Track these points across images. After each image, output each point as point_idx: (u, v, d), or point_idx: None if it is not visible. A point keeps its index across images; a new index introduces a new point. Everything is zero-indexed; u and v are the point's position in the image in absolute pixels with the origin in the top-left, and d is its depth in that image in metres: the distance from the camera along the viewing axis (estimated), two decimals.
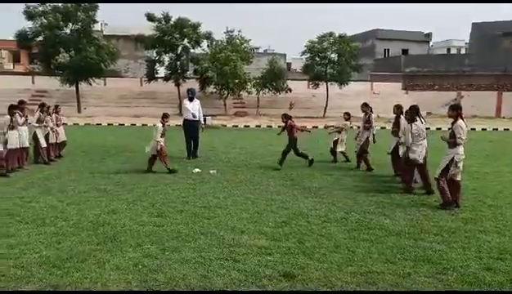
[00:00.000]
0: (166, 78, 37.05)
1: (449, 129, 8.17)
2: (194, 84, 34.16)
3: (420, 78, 45.56)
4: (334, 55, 37.09)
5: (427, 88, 43.31)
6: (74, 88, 34.62)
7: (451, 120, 7.96)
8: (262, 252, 5.40)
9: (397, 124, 10.45)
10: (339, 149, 12.84)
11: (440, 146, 8.85)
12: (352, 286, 4.56)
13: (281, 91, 36.56)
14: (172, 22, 35.57)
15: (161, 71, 38.22)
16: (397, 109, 10.69)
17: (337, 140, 12.89)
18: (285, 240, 5.88)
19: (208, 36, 36.56)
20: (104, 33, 46.07)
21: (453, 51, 64.16)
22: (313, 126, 28.00)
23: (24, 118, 11.16)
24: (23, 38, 33.53)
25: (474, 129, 26.86)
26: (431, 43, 64.28)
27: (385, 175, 10.96)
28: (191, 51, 37.45)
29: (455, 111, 7.94)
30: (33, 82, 39.45)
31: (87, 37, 33.91)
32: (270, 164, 12.34)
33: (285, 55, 53.41)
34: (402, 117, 10.32)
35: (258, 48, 41.39)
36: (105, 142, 17.50)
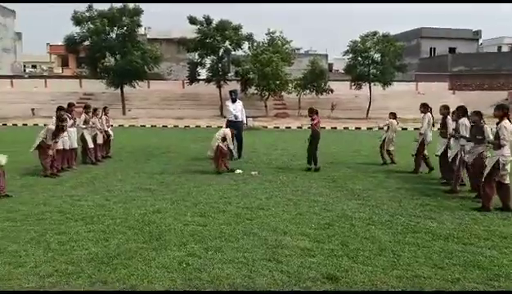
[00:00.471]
0: (208, 80, 37.54)
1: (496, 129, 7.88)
2: (235, 86, 34.41)
3: (469, 78, 44.04)
4: (377, 55, 36.43)
5: (476, 88, 41.80)
6: (118, 91, 35.64)
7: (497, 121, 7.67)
8: (305, 254, 5.37)
9: (444, 125, 10.15)
10: (390, 147, 12.53)
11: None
12: (399, 290, 4.46)
13: (323, 92, 36.26)
14: (213, 25, 36.00)
15: (203, 73, 38.77)
16: (445, 109, 10.37)
17: (384, 140, 12.62)
18: (329, 242, 5.81)
19: (250, 37, 36.76)
20: (147, 36, 47.17)
21: (504, 49, 61.44)
22: (356, 128, 27.70)
23: (72, 120, 11.57)
24: (71, 43, 34.87)
25: None
26: (480, 41, 61.89)
27: (431, 177, 10.67)
28: (232, 52, 37.78)
29: (501, 111, 7.63)
30: (80, 86, 40.96)
31: (131, 41, 34.84)
32: (312, 165, 12.22)
33: (326, 56, 52.94)
34: (449, 117, 10.02)
35: (299, 49, 41.20)
36: (149, 143, 17.90)
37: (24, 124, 28.59)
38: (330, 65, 57.38)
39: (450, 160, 9.35)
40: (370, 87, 36.45)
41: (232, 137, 12.94)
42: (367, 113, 35.36)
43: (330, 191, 9.01)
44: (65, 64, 59.49)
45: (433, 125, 11.23)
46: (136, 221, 6.64)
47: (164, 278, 4.62)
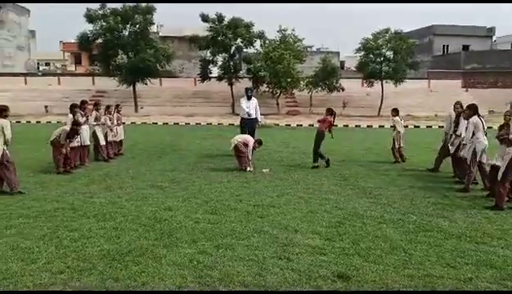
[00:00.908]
0: (219, 78, 37.55)
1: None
2: (247, 83, 34.39)
3: (482, 75, 43.49)
4: (389, 53, 36.12)
5: (489, 85, 41.29)
6: (131, 88, 35.83)
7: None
8: (316, 252, 5.36)
9: (457, 123, 10.05)
10: (402, 144, 12.49)
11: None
12: (410, 289, 4.43)
13: (334, 90, 36.09)
14: (225, 22, 35.99)
15: (214, 71, 38.78)
16: (460, 106, 10.26)
17: (393, 138, 12.53)
18: (340, 240, 5.79)
19: (261, 35, 36.68)
20: (160, 34, 47.33)
21: None
22: (368, 126, 27.55)
23: (85, 118, 11.66)
24: (84, 41, 35.04)
25: None
26: (494, 38, 61.10)
27: (443, 175, 10.58)
28: (244, 50, 37.74)
29: None
30: (93, 83, 41.21)
31: (144, 39, 34.97)
32: (323, 163, 12.19)
33: (338, 54, 52.68)
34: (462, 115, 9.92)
35: (311, 47, 41.06)
36: (161, 140, 17.97)
37: (37, 121, 28.88)
38: (342, 63, 57.05)
39: (463, 158, 9.24)
40: (382, 85, 36.17)
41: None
42: (379, 111, 35.12)
43: (341, 189, 8.98)
44: (78, 61, 60.03)
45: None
46: (148, 218, 6.68)
47: (175, 276, 4.64)
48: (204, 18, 36.03)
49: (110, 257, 5.09)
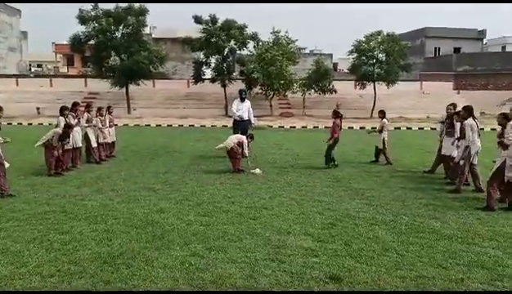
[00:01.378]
0: (213, 80, 37.53)
1: (501, 129, 7.85)
2: (240, 85, 34.39)
3: (473, 77, 43.86)
4: (381, 55, 36.31)
5: (480, 87, 41.62)
6: (123, 90, 35.70)
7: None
8: (309, 254, 5.35)
9: (451, 125, 10.09)
10: (380, 146, 12.66)
11: (492, 147, 8.50)
12: (402, 290, 4.43)
13: (327, 92, 36.18)
14: (219, 24, 35.98)
15: (208, 73, 38.76)
16: (454, 108, 10.31)
17: (383, 140, 12.59)
18: (332, 242, 5.79)
19: (254, 37, 36.72)
20: (153, 35, 47.22)
21: (509, 49, 61.13)
22: (360, 127, 27.63)
23: (76, 120, 11.60)
24: (76, 42, 34.88)
25: None
26: (485, 41, 61.64)
27: (435, 176, 10.63)
28: (238, 52, 37.75)
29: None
30: (85, 85, 41.05)
31: (137, 40, 34.88)
32: (316, 165, 12.23)
33: (331, 56, 52.83)
34: (455, 117, 9.97)
35: (304, 48, 41.15)
36: (154, 142, 17.91)
37: (29, 123, 28.71)
38: (335, 65, 57.27)
39: (460, 161, 9.26)
40: (374, 87, 36.34)
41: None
42: (372, 113, 35.24)
43: (333, 190, 8.99)
44: (70, 63, 59.71)
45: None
46: (140, 221, 6.64)
47: (167, 278, 4.62)
48: (198, 19, 36.02)
49: (101, 260, 5.06)
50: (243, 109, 13.49)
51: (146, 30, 40.14)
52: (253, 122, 14.13)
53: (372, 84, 36.42)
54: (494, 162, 7.87)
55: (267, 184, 9.53)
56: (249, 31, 36.38)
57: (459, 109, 10.07)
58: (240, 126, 13.45)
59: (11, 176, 8.75)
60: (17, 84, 40.98)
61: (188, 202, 7.82)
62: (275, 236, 5.99)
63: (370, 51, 35.89)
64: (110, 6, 34.71)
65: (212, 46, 35.92)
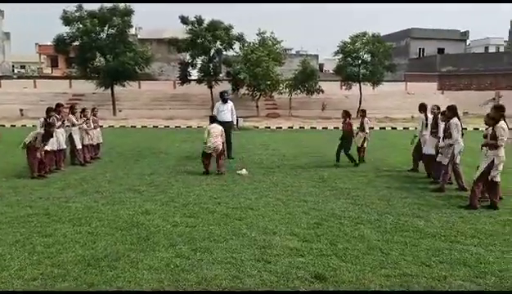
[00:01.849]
0: (199, 81, 37.44)
1: (486, 130, 7.93)
2: (226, 86, 34.40)
3: (457, 78, 44.48)
4: (367, 56, 36.63)
5: (464, 88, 42.23)
6: (109, 91, 35.42)
7: (488, 121, 7.71)
8: (294, 254, 5.36)
9: (435, 125, 10.19)
10: (365, 145, 12.82)
11: (474, 147, 8.60)
12: (386, 289, 4.47)
13: (313, 92, 36.34)
14: (205, 25, 35.92)
15: (194, 73, 38.67)
16: (437, 109, 10.42)
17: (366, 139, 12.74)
18: (317, 242, 5.82)
19: (240, 38, 36.73)
20: (138, 36, 46.97)
21: (491, 50, 62.20)
22: None
23: (60, 122, 11.48)
24: (60, 43, 34.53)
25: None
26: (468, 42, 62.55)
27: (419, 176, 10.73)
28: (224, 53, 37.73)
29: (499, 112, 7.67)
30: (70, 86, 40.65)
31: (122, 41, 34.63)
32: (302, 165, 12.27)
33: (317, 56, 53.09)
34: (440, 117, 10.08)
35: (290, 49, 41.26)
36: (140, 144, 17.79)
37: (12, 125, 28.28)
38: (321, 66, 57.60)
39: (442, 161, 9.35)
40: (360, 87, 36.61)
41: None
42: (357, 113, 35.45)
43: (319, 190, 9.02)
44: (54, 64, 59.01)
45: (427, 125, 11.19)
46: (125, 223, 6.59)
47: (152, 280, 4.59)
48: (184, 20, 35.95)
49: (85, 263, 5.01)
50: (225, 111, 13.49)
51: (132, 31, 39.92)
52: (235, 122, 14.12)
53: (358, 85, 36.69)
54: (477, 167, 7.92)
55: (254, 185, 9.52)
56: (235, 32, 36.42)
57: (443, 109, 10.18)
58: (224, 127, 13.45)
59: None
60: (0, 85, 40.41)
61: (174, 204, 7.78)
62: (261, 236, 5.99)
63: (355, 51, 36.20)
64: (95, 7, 34.45)
65: (198, 46, 35.87)
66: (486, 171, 7.56)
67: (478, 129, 21.45)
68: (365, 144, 12.80)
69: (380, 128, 26.76)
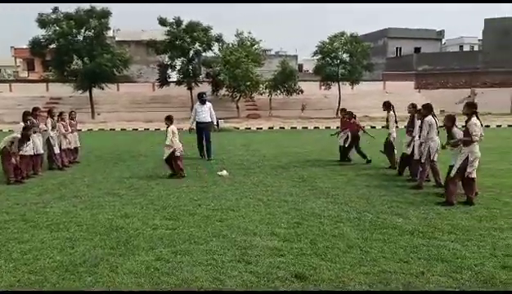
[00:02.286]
0: (178, 83, 37.25)
1: (463, 127, 8.08)
2: (206, 87, 34.33)
3: (433, 77, 45.19)
4: (345, 55, 36.97)
5: (440, 86, 42.93)
6: (87, 94, 34.97)
7: (465, 118, 7.87)
8: (275, 254, 5.38)
9: (412, 123, 10.35)
10: (341, 143, 13.00)
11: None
12: (365, 286, 4.52)
13: (293, 93, 36.51)
14: (183, 26, 35.75)
15: (173, 75, 38.47)
16: (413, 107, 10.58)
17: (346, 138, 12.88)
18: (298, 241, 5.85)
19: (219, 38, 36.68)
20: (116, 38, 46.49)
21: (466, 49, 63.39)
22: (326, 127, 27.99)
23: (37, 126, 11.29)
24: (37, 46, 33.97)
25: (489, 126, 26.51)
26: (443, 41, 63.66)
27: (395, 173, 10.87)
28: (203, 54, 37.63)
29: (470, 109, 7.83)
30: (47, 89, 40.00)
31: (100, 43, 34.24)
32: (283, 165, 12.32)
33: (296, 57, 53.37)
34: (416, 115, 10.23)
35: (269, 50, 41.45)
36: (119, 147, 17.62)
37: None
38: (300, 66, 57.87)
39: (417, 158, 9.50)
40: (339, 87, 36.92)
41: (201, 140, 13.08)
42: (337, 113, 35.73)
43: (299, 190, 9.07)
44: (30, 67, 58.00)
45: (396, 122, 11.72)
46: (104, 227, 6.52)
47: (131, 284, 4.56)
48: (162, 22, 35.74)
49: (63, 269, 4.94)
50: (203, 112, 13.56)
51: (109, 33, 39.54)
52: (215, 122, 14.17)
53: (337, 84, 36.99)
54: (451, 166, 8.06)
55: (234, 186, 9.52)
56: (213, 33, 36.36)
57: (419, 107, 10.34)
58: (204, 128, 13.54)
59: None
60: None
61: (154, 207, 7.73)
62: (241, 237, 5.99)
63: (333, 51, 36.50)
64: (71, 9, 34.01)
65: (177, 48, 35.72)
66: (461, 167, 7.70)
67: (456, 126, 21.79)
68: (347, 144, 12.90)
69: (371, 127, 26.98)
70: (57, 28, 33.02)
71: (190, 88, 36.17)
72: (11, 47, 60.49)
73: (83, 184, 9.92)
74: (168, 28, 35.75)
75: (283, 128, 28.44)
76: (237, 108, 35.79)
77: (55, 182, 10.20)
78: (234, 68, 33.09)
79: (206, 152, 13.61)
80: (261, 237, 6.02)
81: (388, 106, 11.92)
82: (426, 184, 9.30)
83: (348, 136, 12.82)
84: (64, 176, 10.99)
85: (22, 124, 10.63)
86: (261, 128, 28.50)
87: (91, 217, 7.07)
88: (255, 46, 36.37)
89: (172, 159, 10.71)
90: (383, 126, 12.15)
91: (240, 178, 10.49)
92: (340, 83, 36.96)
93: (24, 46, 42.12)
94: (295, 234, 6.11)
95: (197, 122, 13.68)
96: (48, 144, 11.93)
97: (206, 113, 13.59)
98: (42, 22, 33.01)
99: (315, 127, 28.44)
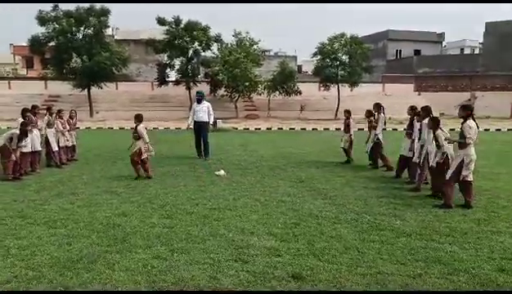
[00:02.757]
0: (177, 82, 37.23)
1: (461, 129, 8.07)
2: (205, 87, 34.34)
3: (433, 79, 45.23)
4: (345, 57, 36.96)
5: (440, 89, 42.96)
6: (86, 93, 34.94)
7: (461, 120, 7.88)
8: (272, 253, 5.38)
9: (411, 126, 10.35)
10: (345, 146, 13.01)
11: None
12: (362, 287, 4.52)
13: (292, 94, 36.52)
14: (182, 26, 35.74)
15: (172, 75, 38.46)
16: (412, 110, 10.56)
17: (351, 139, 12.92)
18: (295, 241, 5.85)
19: (218, 38, 36.68)
20: (115, 37, 46.46)
21: (467, 51, 63.43)
22: (324, 129, 28.02)
23: (35, 123, 11.30)
24: (36, 44, 33.90)
25: (488, 130, 26.59)
26: (444, 44, 63.71)
27: (393, 175, 10.88)
28: (202, 54, 37.62)
29: (465, 111, 7.84)
30: (45, 87, 39.97)
31: (99, 42, 34.21)
32: (280, 166, 12.32)
33: (295, 58, 53.38)
34: (416, 118, 10.23)
35: (268, 51, 41.44)
36: (117, 145, 17.56)
37: None
38: (300, 67, 57.92)
39: (416, 160, 9.50)
40: (338, 89, 36.93)
41: (199, 140, 13.07)
42: (336, 114, 35.81)
43: (297, 191, 9.06)
44: (29, 65, 57.91)
45: (385, 123, 12.12)
46: (101, 224, 6.52)
47: (128, 281, 4.56)
48: (161, 21, 35.70)
49: (61, 265, 4.94)
50: (200, 111, 13.58)
51: (108, 31, 39.47)
52: (211, 122, 14.12)
53: (336, 86, 37.00)
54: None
55: (232, 186, 9.52)
56: (212, 33, 36.35)
57: (419, 110, 10.35)
58: (201, 128, 13.57)
59: None
60: None
61: (151, 205, 7.73)
62: (238, 237, 5.99)
63: (333, 53, 36.46)
64: (71, 7, 33.96)
65: (176, 47, 35.70)
66: (456, 170, 7.71)
67: (454, 130, 21.80)
68: (352, 145, 12.93)
69: (359, 129, 26.99)
70: (57, 25, 32.96)
71: (188, 88, 36.17)
72: (10, 45, 60.42)
73: (80, 182, 9.91)
74: (167, 27, 35.72)
75: (281, 129, 28.44)
76: (236, 108, 35.80)
77: (53, 179, 10.19)
78: (233, 68, 33.07)
79: (204, 151, 13.61)
80: (258, 237, 6.03)
81: (378, 108, 11.97)
82: (424, 186, 9.30)
83: (351, 139, 12.84)
84: (62, 174, 10.98)
85: (20, 119, 10.64)
86: (259, 129, 28.50)
87: (88, 215, 7.07)
88: (254, 47, 36.36)
89: (138, 160, 10.43)
90: (382, 129, 12.14)
91: (237, 178, 10.49)
92: (339, 85, 36.95)
93: (24, 44, 42.08)
94: (292, 235, 6.12)
95: (194, 122, 13.70)
96: (46, 141, 11.92)
97: (203, 112, 13.60)
98: (42, 19, 32.94)
99: (313, 128, 28.45)
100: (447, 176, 7.85)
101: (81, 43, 33.87)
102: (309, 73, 49.26)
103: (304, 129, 28.19)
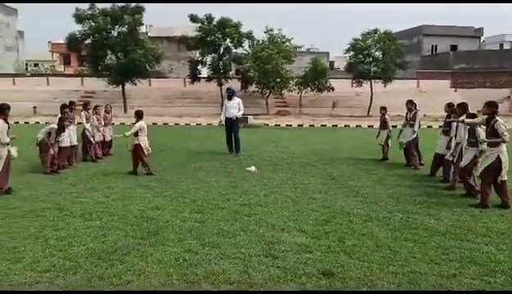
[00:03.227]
0: (209, 79, 37.51)
1: (487, 127, 7.77)
2: (236, 84, 34.47)
3: (470, 75, 43.93)
4: (378, 53, 36.35)
5: (477, 86, 41.67)
6: (120, 89, 35.64)
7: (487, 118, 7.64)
8: (302, 250, 5.38)
9: (448, 123, 10.10)
10: (382, 142, 12.92)
11: None
12: (393, 286, 4.47)
13: (324, 90, 36.21)
14: (214, 22, 35.96)
15: (204, 71, 38.75)
16: (449, 107, 10.28)
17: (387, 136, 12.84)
18: (326, 238, 5.82)
19: (250, 35, 36.72)
20: (149, 34, 47.16)
21: (506, 47, 61.22)
22: (357, 126, 27.68)
23: (72, 118, 11.63)
24: (73, 41, 34.77)
25: None
26: (482, 39, 61.64)
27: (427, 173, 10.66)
28: (233, 50, 37.75)
29: (491, 108, 7.60)
30: (82, 84, 41.01)
31: (133, 39, 34.80)
32: (312, 162, 12.27)
33: (327, 54, 52.92)
34: (453, 116, 9.98)
35: (300, 47, 41.13)
36: (150, 141, 17.83)
37: (25, 122, 28.57)
38: (332, 63, 57.34)
39: (449, 158, 9.30)
40: (371, 85, 36.36)
41: (230, 136, 13.13)
42: (368, 111, 35.30)
43: (328, 188, 9.01)
44: (67, 62, 59.67)
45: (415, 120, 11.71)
46: (135, 218, 6.66)
47: (160, 274, 4.65)
48: (193, 18, 35.99)
49: (96, 256, 5.08)
50: (231, 107, 13.66)
51: (142, 29, 40.12)
52: (238, 116, 13.94)
53: (369, 82, 36.46)
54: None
55: (263, 182, 9.55)
56: (244, 30, 36.42)
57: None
58: (232, 124, 13.67)
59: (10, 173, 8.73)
60: (14, 83, 40.88)
61: (183, 200, 7.84)
62: (269, 232, 6.01)
63: (366, 49, 35.90)
64: (107, 5, 34.67)
65: (207, 44, 35.94)
66: (491, 168, 7.49)
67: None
68: (389, 142, 12.77)
69: (392, 126, 26.57)
70: (93, 23, 33.72)
71: (220, 84, 36.38)
72: (49, 42, 62.28)
73: (115, 176, 10.14)
74: (199, 24, 36.00)
75: (313, 126, 28.25)
76: (267, 104, 35.77)
77: (88, 173, 10.47)
78: (264, 64, 33.04)
79: (235, 147, 13.69)
80: (288, 233, 6.03)
81: (412, 104, 11.76)
82: (459, 185, 9.08)
83: (388, 135, 12.69)
84: (97, 168, 11.27)
85: (59, 116, 10.97)
86: (290, 125, 28.39)
87: (122, 208, 7.24)
88: (286, 44, 36.23)
89: (138, 155, 10.55)
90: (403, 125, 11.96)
91: (268, 174, 10.51)
92: (372, 81, 36.39)
93: (61, 41, 43.27)
94: (323, 232, 6.09)
95: (226, 118, 13.79)
96: (83, 136, 12.25)
97: (234, 108, 13.68)
98: (79, 17, 33.76)
99: (345, 125, 28.14)
100: (484, 176, 7.63)
101: (116, 41, 34.52)
102: (342, 69, 48.71)
103: (336, 126, 27.92)
